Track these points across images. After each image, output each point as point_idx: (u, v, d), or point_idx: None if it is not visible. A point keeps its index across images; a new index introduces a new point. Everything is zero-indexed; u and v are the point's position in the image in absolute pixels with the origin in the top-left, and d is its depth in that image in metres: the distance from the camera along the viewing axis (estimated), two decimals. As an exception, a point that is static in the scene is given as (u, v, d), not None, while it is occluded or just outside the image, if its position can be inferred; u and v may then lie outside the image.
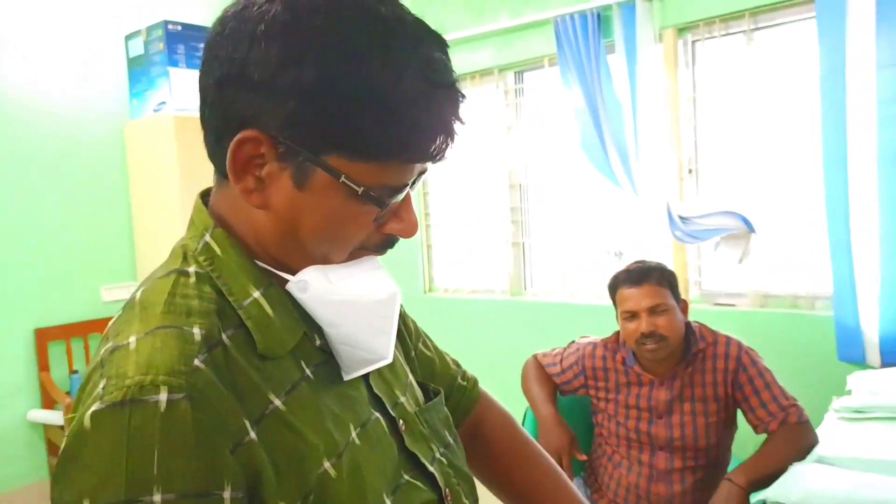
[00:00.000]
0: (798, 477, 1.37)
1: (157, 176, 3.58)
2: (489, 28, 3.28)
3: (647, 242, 2.91)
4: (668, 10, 2.80)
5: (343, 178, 0.61)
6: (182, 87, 3.54)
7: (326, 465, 0.63)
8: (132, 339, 0.59)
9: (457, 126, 0.64)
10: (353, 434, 0.68)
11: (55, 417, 3.07)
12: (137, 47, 3.64)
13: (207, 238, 0.67)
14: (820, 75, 2.41)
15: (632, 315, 1.82)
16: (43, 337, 3.27)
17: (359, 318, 0.69)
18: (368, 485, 0.66)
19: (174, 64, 3.52)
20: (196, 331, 0.60)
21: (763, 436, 1.77)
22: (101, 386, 0.57)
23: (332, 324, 0.68)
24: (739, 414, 1.86)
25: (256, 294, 0.65)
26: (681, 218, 2.75)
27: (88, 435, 0.55)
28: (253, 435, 0.59)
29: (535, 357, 2.08)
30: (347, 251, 0.68)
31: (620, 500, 1.88)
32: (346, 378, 0.71)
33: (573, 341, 2.07)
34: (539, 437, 1.89)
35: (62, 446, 0.57)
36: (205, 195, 0.74)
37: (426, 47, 0.61)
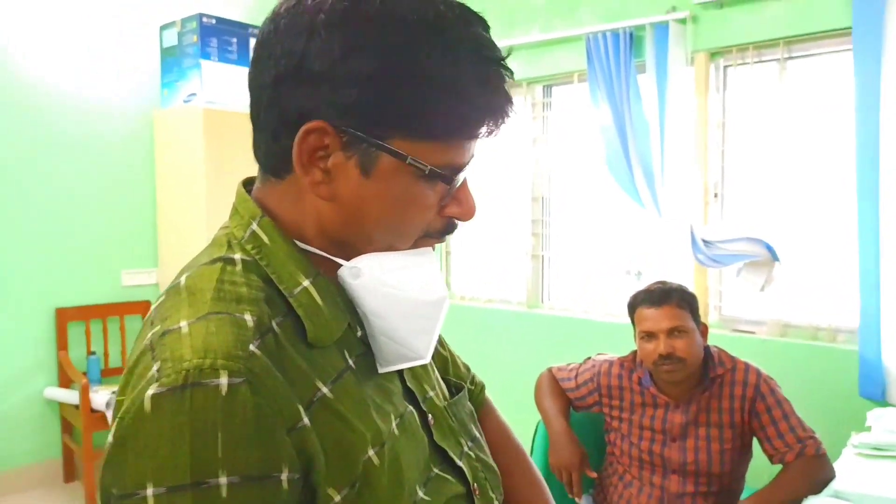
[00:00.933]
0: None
1: (182, 166, 3.61)
2: (520, 41, 3.29)
3: (668, 264, 2.90)
4: (701, 34, 2.80)
5: (410, 160, 0.62)
6: (213, 80, 3.57)
7: (371, 453, 0.64)
8: (183, 323, 0.59)
9: (508, 102, 0.65)
10: (394, 424, 0.69)
11: (71, 396, 3.10)
12: (171, 38, 3.68)
13: (255, 227, 0.67)
14: (855, 107, 2.40)
15: (650, 335, 1.80)
16: (63, 317, 3.30)
17: (405, 313, 0.69)
18: (406, 476, 0.67)
19: (206, 57, 3.55)
20: (248, 318, 0.60)
21: (778, 466, 1.75)
22: (154, 368, 0.57)
23: (378, 314, 0.68)
24: (755, 442, 1.84)
25: (306, 283, 0.65)
26: (704, 241, 2.74)
27: (147, 418, 0.54)
28: (306, 420, 0.59)
29: (549, 370, 2.07)
30: (412, 239, 0.68)
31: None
32: (381, 371, 0.71)
33: (589, 357, 2.05)
34: (550, 452, 1.88)
35: (114, 429, 0.56)
36: (246, 184, 0.74)
37: (475, 27, 0.63)
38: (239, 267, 0.65)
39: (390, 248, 0.68)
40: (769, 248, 2.62)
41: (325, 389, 0.63)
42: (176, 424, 0.54)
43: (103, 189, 3.52)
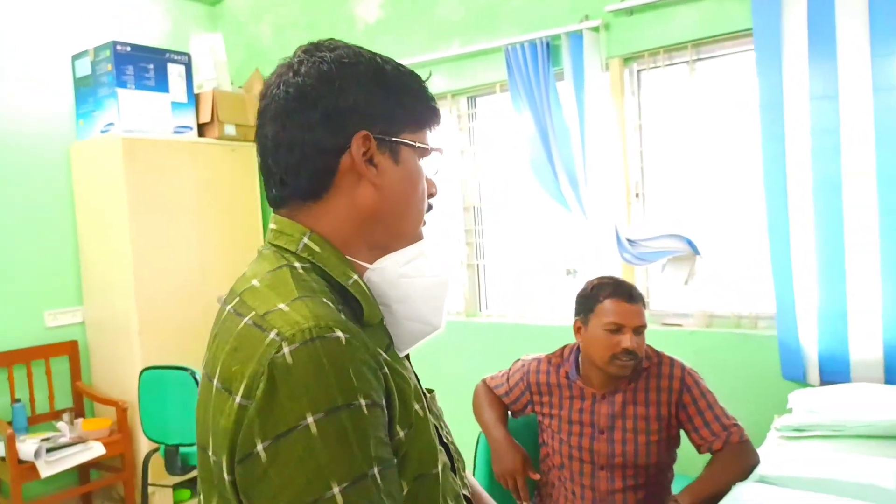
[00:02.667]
0: (740, 497, 1.42)
1: (103, 198, 3.51)
2: (443, 54, 3.34)
3: (597, 264, 2.98)
4: (614, 41, 2.90)
5: (418, 144, 0.88)
6: (131, 109, 3.49)
7: (416, 406, 0.82)
8: (281, 304, 0.75)
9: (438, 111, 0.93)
10: (416, 408, 0.83)
11: (-6, 449, 2.97)
12: (84, 67, 3.58)
13: (306, 240, 0.84)
14: (759, 105, 2.53)
15: (618, 328, 1.81)
16: (-17, 365, 3.17)
17: (422, 295, 0.89)
18: (434, 432, 0.84)
19: (122, 85, 3.47)
20: (328, 302, 0.77)
21: (707, 456, 1.82)
22: (272, 335, 0.71)
23: (401, 300, 0.87)
24: (683, 434, 1.90)
25: (355, 277, 0.84)
26: (629, 241, 2.83)
27: (291, 368, 0.69)
28: (386, 369, 0.78)
29: (483, 381, 2.10)
30: (423, 212, 0.91)
31: None
32: (401, 354, 0.89)
33: (518, 359, 2.08)
34: (492, 461, 1.91)
35: (263, 385, 0.69)
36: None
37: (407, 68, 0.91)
38: (300, 270, 0.81)
39: (415, 226, 0.90)
40: (690, 244, 2.73)
41: (384, 354, 0.81)
42: (318, 366, 0.69)
43: (21, 227, 3.39)
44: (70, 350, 3.56)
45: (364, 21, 3.69)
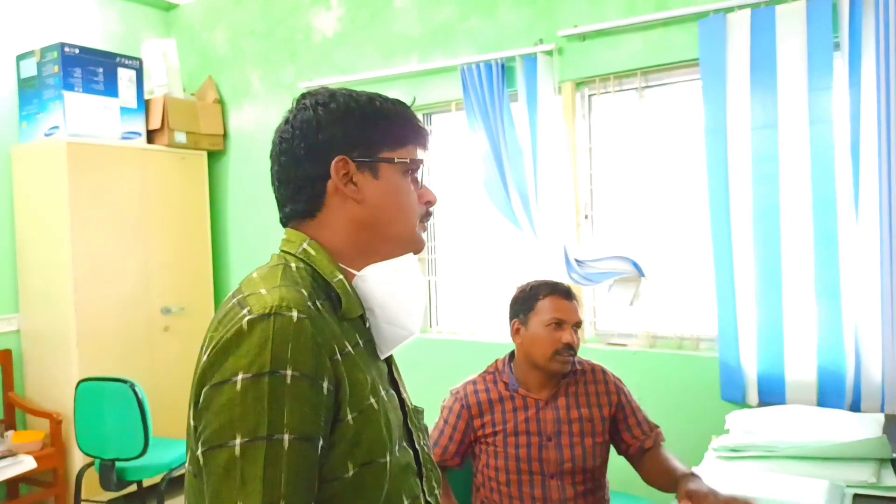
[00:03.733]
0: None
1: (44, 203, 3.41)
2: (399, 70, 3.36)
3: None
4: (567, 65, 2.96)
5: (396, 159, 0.99)
6: (77, 112, 3.41)
7: (372, 400, 0.91)
8: (262, 289, 0.88)
9: (427, 132, 1.05)
10: (383, 392, 0.95)
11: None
12: (30, 68, 3.48)
13: (305, 245, 0.98)
14: (704, 132, 2.61)
15: (559, 324, 1.86)
16: None
17: (400, 302, 0.99)
18: (392, 428, 0.93)
19: (70, 88, 3.39)
20: (304, 291, 0.90)
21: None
22: (245, 310, 0.85)
23: (382, 306, 0.98)
24: None
25: (340, 277, 0.96)
26: (577, 261, 2.88)
27: (244, 333, 0.82)
28: (339, 357, 0.88)
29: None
30: (416, 220, 1.01)
31: None
32: (382, 356, 1.01)
33: (449, 395, 2.00)
34: None
35: (216, 346, 0.83)
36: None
37: (390, 97, 1.03)
38: (294, 267, 0.95)
39: (406, 229, 1.00)
40: (636, 266, 2.79)
41: (349, 348, 0.91)
42: (263, 336, 0.82)
43: (-46, 230, 3.26)
44: (3, 359, 3.42)
45: (322, 33, 3.68)
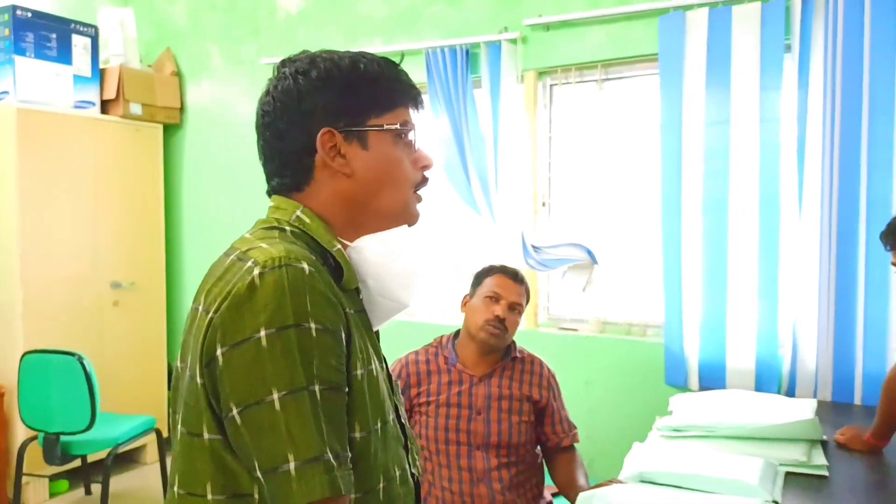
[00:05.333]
0: (618, 493, 1.52)
1: (-8, 170, 3.30)
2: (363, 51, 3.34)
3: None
4: (530, 54, 3.01)
5: (385, 126, 0.94)
6: (28, 78, 3.31)
7: (372, 365, 0.90)
8: (263, 244, 0.85)
9: (418, 90, 1.00)
10: (375, 362, 0.93)
11: None
12: (-21, 30, 3.36)
13: (299, 213, 0.93)
14: (660, 126, 2.69)
15: (495, 298, 2.02)
16: None
17: (393, 275, 0.96)
18: (382, 398, 0.92)
19: (21, 52, 3.29)
20: (304, 252, 0.86)
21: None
22: (249, 263, 0.81)
23: (375, 277, 0.95)
24: None
25: (339, 246, 0.93)
26: (533, 247, 2.94)
27: (257, 287, 0.79)
28: (347, 313, 0.86)
29: None
30: (409, 189, 0.97)
31: None
32: (375, 328, 0.98)
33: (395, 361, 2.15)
34: None
35: (227, 303, 0.79)
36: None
37: (374, 56, 0.97)
38: (289, 232, 0.91)
39: (396, 201, 0.95)
40: (589, 253, 2.87)
41: (350, 311, 0.88)
42: (279, 288, 0.79)
43: None
44: (-57, 329, 3.32)
45: (286, 10, 3.65)
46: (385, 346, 1.03)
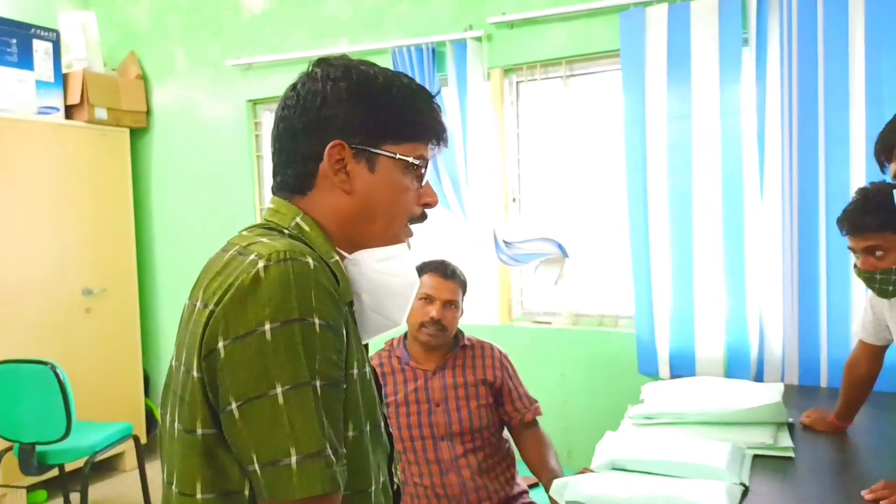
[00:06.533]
0: (590, 481, 1.57)
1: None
2: (329, 52, 3.33)
3: (475, 264, 3.10)
4: (496, 52, 3.04)
5: (398, 156, 0.93)
6: (-12, 85, 3.25)
7: (366, 368, 0.91)
8: (264, 240, 0.85)
9: (445, 128, 0.99)
10: (367, 367, 0.93)
11: None
12: (-65, 37, 3.29)
13: (298, 220, 0.93)
14: (624, 121, 2.74)
15: (429, 300, 2.04)
16: None
17: (389, 292, 0.96)
18: (373, 402, 0.92)
19: (-20, 59, 3.23)
20: (307, 248, 0.86)
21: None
22: (251, 257, 0.81)
23: (370, 292, 0.95)
24: None
25: (336, 258, 0.92)
26: (505, 242, 2.97)
27: (262, 279, 0.79)
28: (346, 310, 0.86)
29: None
30: (403, 220, 0.97)
31: None
32: (364, 341, 0.97)
33: None
34: None
35: (228, 296, 0.79)
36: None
37: (413, 81, 0.97)
38: (287, 236, 0.90)
39: (387, 230, 0.95)
40: (560, 247, 2.91)
41: (347, 311, 0.87)
42: (284, 281, 0.79)
43: None
44: None
45: (250, 11, 3.63)
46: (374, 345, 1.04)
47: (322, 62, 0.95)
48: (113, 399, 3.64)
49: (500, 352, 2.17)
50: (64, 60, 3.62)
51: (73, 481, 3.22)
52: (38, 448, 2.85)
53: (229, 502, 0.82)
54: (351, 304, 0.94)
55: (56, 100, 3.56)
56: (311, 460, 0.77)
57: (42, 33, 3.49)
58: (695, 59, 2.60)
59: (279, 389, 0.77)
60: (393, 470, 1.00)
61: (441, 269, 2.08)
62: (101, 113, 3.68)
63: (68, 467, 3.21)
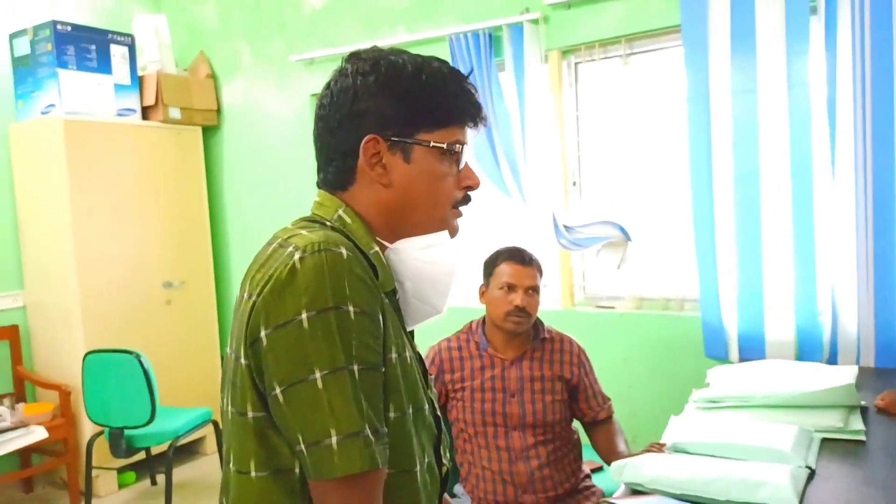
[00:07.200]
0: (651, 462, 1.56)
1: (44, 180, 3.47)
2: (387, 41, 3.39)
3: (535, 249, 3.09)
4: (553, 34, 3.01)
5: (432, 143, 0.94)
6: (72, 90, 3.45)
7: (406, 353, 0.93)
8: (304, 232, 0.89)
9: (480, 107, 0.99)
10: (408, 352, 0.95)
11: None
12: (23, 47, 3.52)
13: (341, 212, 0.96)
14: (687, 99, 2.67)
15: (511, 288, 2.03)
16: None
17: (430, 279, 0.98)
18: (416, 385, 0.95)
19: (64, 66, 3.43)
20: (343, 238, 0.89)
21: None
22: (290, 249, 0.85)
23: (412, 279, 0.97)
24: None
25: (377, 248, 0.95)
26: (565, 227, 2.96)
27: (298, 271, 0.83)
28: (384, 300, 0.90)
29: None
30: (447, 207, 0.98)
31: (489, 488, 2.02)
32: (409, 328, 1.01)
33: (429, 348, 2.20)
34: None
35: (269, 286, 0.83)
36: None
37: (444, 65, 0.97)
38: (329, 227, 0.93)
39: (432, 217, 0.97)
40: (622, 230, 2.87)
41: (386, 301, 0.91)
42: (318, 272, 0.82)
43: (-43, 210, 3.32)
44: (10, 335, 3.52)
45: (311, 6, 3.71)
46: (428, 328, 1.07)
47: (352, 57, 0.97)
48: (193, 385, 3.82)
49: (579, 347, 2.15)
50: (139, 63, 3.80)
51: (159, 464, 3.42)
52: (126, 432, 3.03)
53: (281, 479, 0.86)
54: (394, 291, 0.96)
55: (133, 101, 3.74)
56: (351, 440, 0.80)
57: (118, 38, 3.67)
58: (759, 30, 2.50)
59: (318, 374, 0.81)
60: (442, 452, 1.02)
61: (518, 257, 2.07)
62: (174, 113, 3.84)
63: (154, 451, 3.40)
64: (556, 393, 2.06)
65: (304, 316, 0.81)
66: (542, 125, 3.01)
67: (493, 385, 2.05)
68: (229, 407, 0.90)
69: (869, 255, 2.40)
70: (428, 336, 2.22)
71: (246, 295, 0.88)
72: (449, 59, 3.13)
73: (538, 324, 2.13)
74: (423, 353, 2.10)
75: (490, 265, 2.12)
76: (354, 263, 0.85)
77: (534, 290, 2.05)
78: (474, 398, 2.05)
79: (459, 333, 2.16)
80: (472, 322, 2.17)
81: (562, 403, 2.07)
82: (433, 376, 2.09)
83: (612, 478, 1.62)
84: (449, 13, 3.27)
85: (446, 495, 1.09)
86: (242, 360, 0.86)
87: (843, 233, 2.48)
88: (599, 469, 2.37)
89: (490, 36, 3.06)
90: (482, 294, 2.13)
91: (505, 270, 2.06)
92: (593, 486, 2.12)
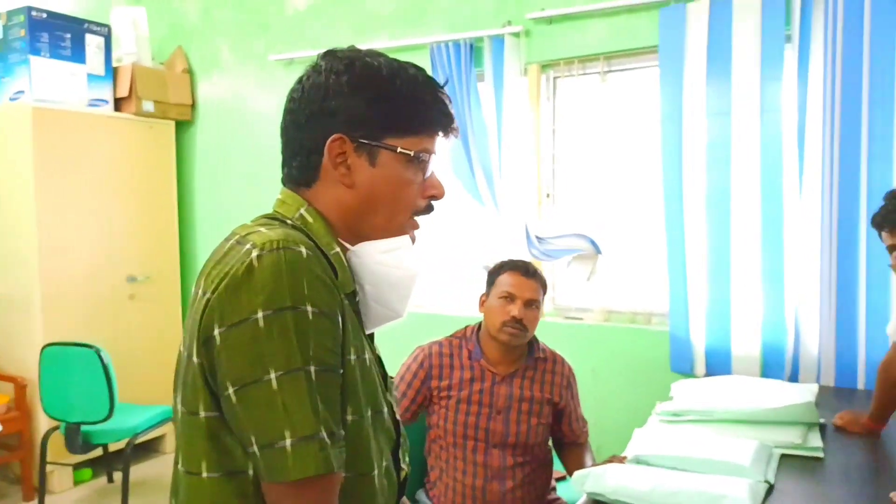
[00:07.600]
0: (613, 473, 1.57)
1: (9, 167, 3.40)
2: (370, 47, 3.37)
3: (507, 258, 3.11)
4: (533, 47, 3.04)
5: (399, 149, 0.92)
6: (43, 77, 3.39)
7: (365, 355, 0.92)
8: (263, 229, 0.87)
9: (452, 118, 0.97)
10: (367, 355, 0.94)
11: None
12: (-5, 31, 3.44)
13: (303, 211, 0.94)
14: (661, 118, 2.72)
15: (511, 298, 1.98)
16: None
17: (391, 283, 0.97)
18: (375, 389, 0.94)
19: (36, 52, 3.37)
20: (303, 237, 0.87)
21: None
22: (247, 246, 0.83)
23: (372, 283, 0.96)
24: None
25: (338, 249, 0.93)
26: (537, 237, 2.98)
27: (255, 268, 0.80)
28: (344, 300, 0.87)
29: None
30: (407, 214, 0.97)
31: (458, 500, 1.98)
32: (368, 331, 0.98)
33: (417, 347, 2.13)
34: None
35: (225, 283, 0.81)
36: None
37: (420, 72, 0.96)
38: (290, 226, 0.91)
39: (390, 223, 0.95)
40: (593, 243, 2.91)
41: (346, 301, 0.89)
42: (276, 270, 0.80)
43: (-83, 193, 3.23)
44: (-33, 324, 3.42)
45: (294, 6, 3.70)
46: (392, 337, 1.05)
47: (328, 55, 0.95)
48: (154, 383, 3.73)
49: (569, 368, 2.12)
50: (114, 54, 3.75)
51: (117, 461, 3.34)
52: (83, 428, 2.97)
53: (233, 481, 0.84)
54: (354, 294, 0.95)
55: (106, 93, 3.69)
56: (306, 442, 0.79)
57: (95, 28, 3.62)
58: (735, 55, 2.56)
59: (273, 375, 0.79)
60: (400, 456, 1.00)
61: (522, 268, 2.03)
62: (148, 106, 3.79)
63: (112, 447, 3.33)
64: (542, 416, 2.02)
65: (259, 315, 0.79)
66: (518, 137, 3.04)
67: (480, 399, 1.99)
68: (180, 406, 0.88)
69: (832, 276, 2.47)
70: (421, 341, 2.20)
71: (201, 292, 0.86)
72: (429, 67, 3.17)
73: (534, 341, 2.08)
74: (412, 353, 2.10)
75: (493, 274, 2.07)
76: (314, 263, 0.83)
77: (534, 303, 2.00)
78: (459, 409, 1.98)
79: (452, 338, 2.09)
80: (467, 327, 2.11)
81: (545, 427, 2.04)
82: (417, 389, 2.03)
83: (574, 487, 1.64)
84: (432, 21, 3.29)
85: (405, 499, 1.07)
86: (195, 359, 0.83)
87: (808, 254, 2.54)
88: (563, 478, 2.38)
89: (471, 46, 3.08)
90: (482, 303, 2.08)
91: (506, 280, 2.01)
92: (558, 497, 2.13)
